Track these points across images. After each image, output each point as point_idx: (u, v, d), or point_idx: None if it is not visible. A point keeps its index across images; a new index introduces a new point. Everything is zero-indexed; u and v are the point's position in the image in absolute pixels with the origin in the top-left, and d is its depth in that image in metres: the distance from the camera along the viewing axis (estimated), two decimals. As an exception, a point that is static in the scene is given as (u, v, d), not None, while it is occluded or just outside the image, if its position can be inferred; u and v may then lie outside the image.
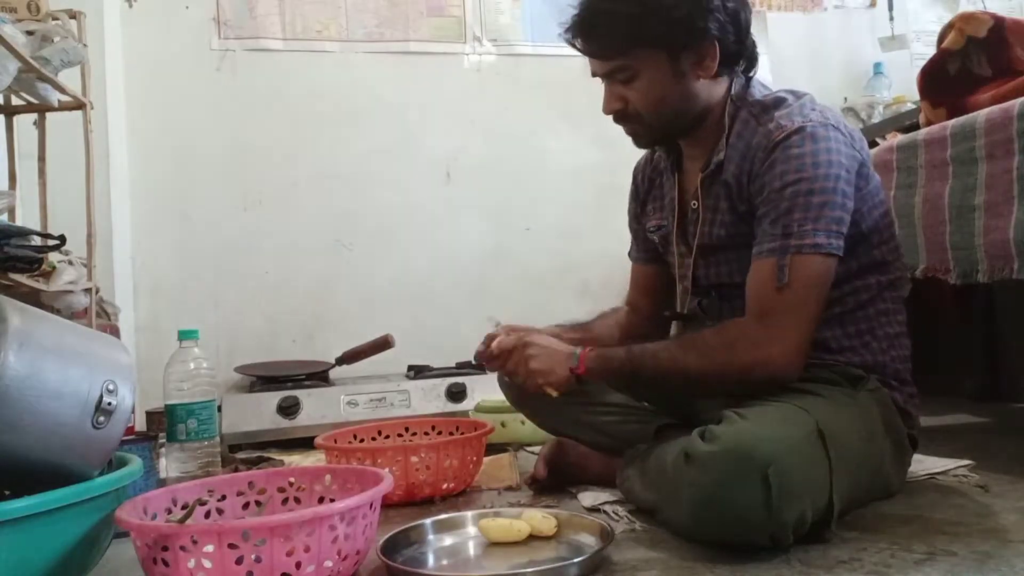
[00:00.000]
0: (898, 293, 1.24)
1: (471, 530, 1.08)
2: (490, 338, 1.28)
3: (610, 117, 1.25)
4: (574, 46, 1.21)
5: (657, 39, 1.15)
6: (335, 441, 1.46)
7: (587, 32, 1.18)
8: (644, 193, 1.42)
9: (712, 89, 1.21)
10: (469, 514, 1.12)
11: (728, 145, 1.20)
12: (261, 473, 1.15)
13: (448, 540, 1.07)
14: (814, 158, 1.09)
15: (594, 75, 1.24)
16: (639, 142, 1.28)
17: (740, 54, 1.22)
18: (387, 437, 1.56)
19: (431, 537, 1.07)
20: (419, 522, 1.09)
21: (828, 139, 1.10)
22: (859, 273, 1.18)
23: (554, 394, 1.20)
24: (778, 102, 1.18)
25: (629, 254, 1.50)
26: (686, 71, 1.18)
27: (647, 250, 1.44)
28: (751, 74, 1.25)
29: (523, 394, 1.35)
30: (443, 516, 1.11)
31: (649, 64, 1.17)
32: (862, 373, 1.16)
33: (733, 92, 1.22)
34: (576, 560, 0.93)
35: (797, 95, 1.19)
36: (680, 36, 1.15)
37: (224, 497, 1.08)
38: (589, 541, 1.02)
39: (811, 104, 1.17)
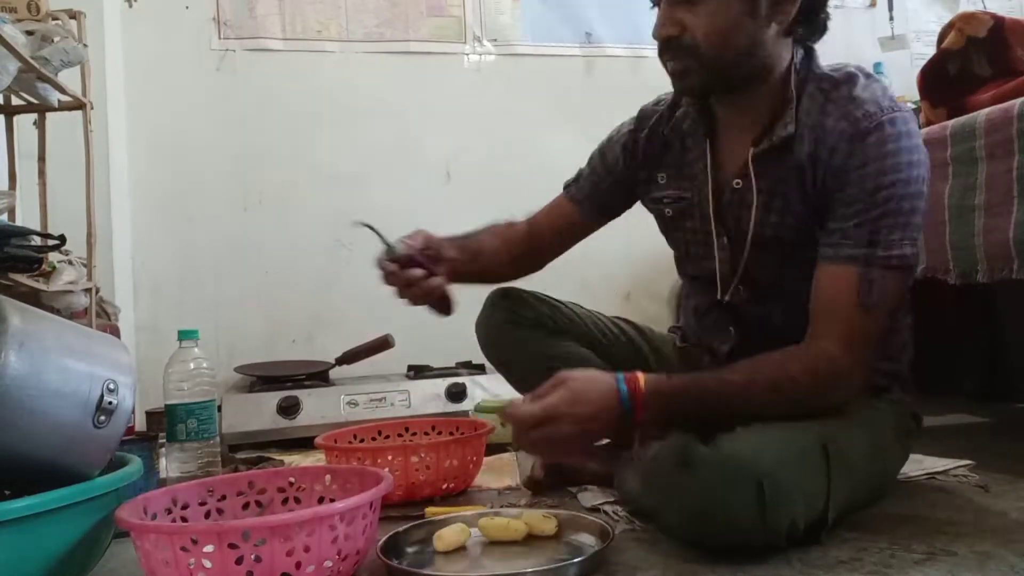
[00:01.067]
0: (907, 297, 1.18)
1: (472, 531, 1.08)
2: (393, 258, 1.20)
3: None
4: None
5: None
6: (335, 441, 1.46)
7: None
8: (654, 156, 1.24)
9: (780, 47, 1.08)
10: (469, 514, 1.12)
11: (799, 121, 1.07)
12: (261, 473, 1.15)
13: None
14: (908, 157, 1.00)
15: None
16: (684, 83, 1.10)
17: (816, 22, 1.09)
18: (387, 437, 1.56)
19: (431, 538, 1.06)
20: (419, 522, 1.09)
21: (914, 134, 1.02)
22: None
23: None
24: (850, 78, 1.06)
25: (567, 185, 1.37)
26: (761, 11, 1.04)
27: (594, 200, 1.31)
28: (807, 47, 1.12)
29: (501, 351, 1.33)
30: (443, 516, 1.11)
31: None
32: (883, 382, 1.15)
33: (797, 60, 1.09)
34: (576, 560, 0.93)
35: (863, 72, 1.08)
36: None
37: (224, 497, 1.07)
38: (589, 541, 1.02)
39: (882, 85, 1.07)
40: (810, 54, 1.11)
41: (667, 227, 1.27)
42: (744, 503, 0.90)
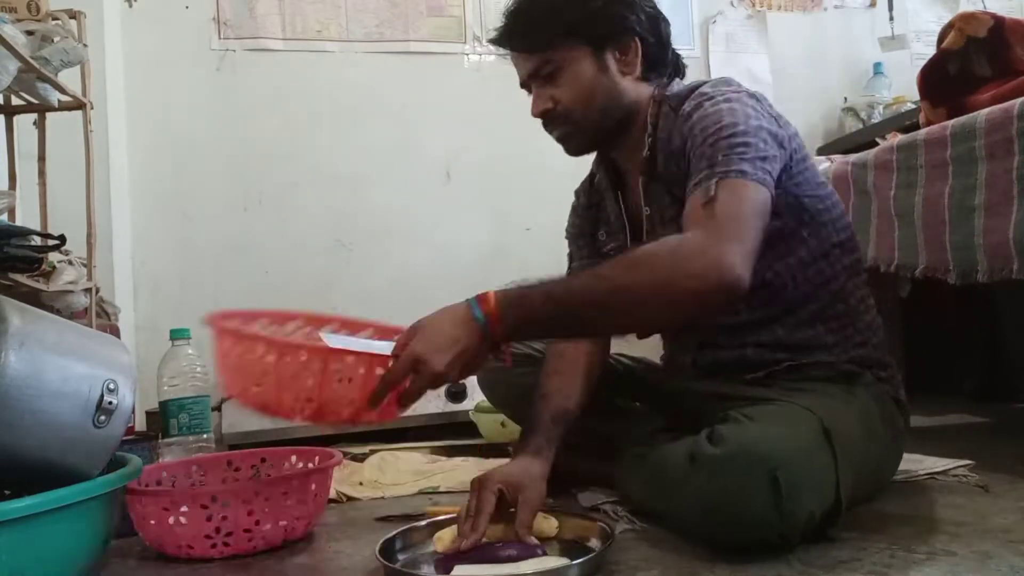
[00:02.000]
0: (863, 277, 1.24)
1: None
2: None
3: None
4: (502, 47, 1.22)
5: (578, 31, 1.16)
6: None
7: (513, 31, 1.20)
8: (591, 220, 1.38)
9: (639, 91, 1.21)
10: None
11: (656, 140, 1.19)
12: (237, 453, 1.38)
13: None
14: (730, 111, 1.07)
15: (522, 85, 1.25)
16: (570, 146, 1.25)
17: (663, 60, 1.23)
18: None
19: (430, 540, 1.05)
20: (419, 524, 1.09)
21: (742, 100, 1.09)
22: (825, 256, 1.18)
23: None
24: (693, 87, 1.18)
25: (570, 269, 1.42)
26: (610, 67, 1.19)
27: (594, 258, 1.36)
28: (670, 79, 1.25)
29: (499, 394, 1.34)
30: (442, 517, 1.11)
31: (573, 58, 1.17)
32: (855, 369, 1.17)
33: (655, 94, 1.22)
34: (577, 561, 0.93)
35: (715, 80, 1.17)
36: (600, 28, 1.17)
37: (206, 472, 1.32)
38: (590, 542, 1.02)
39: (728, 81, 1.16)
40: (670, 81, 1.24)
41: None
42: (758, 497, 0.90)
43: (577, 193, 1.44)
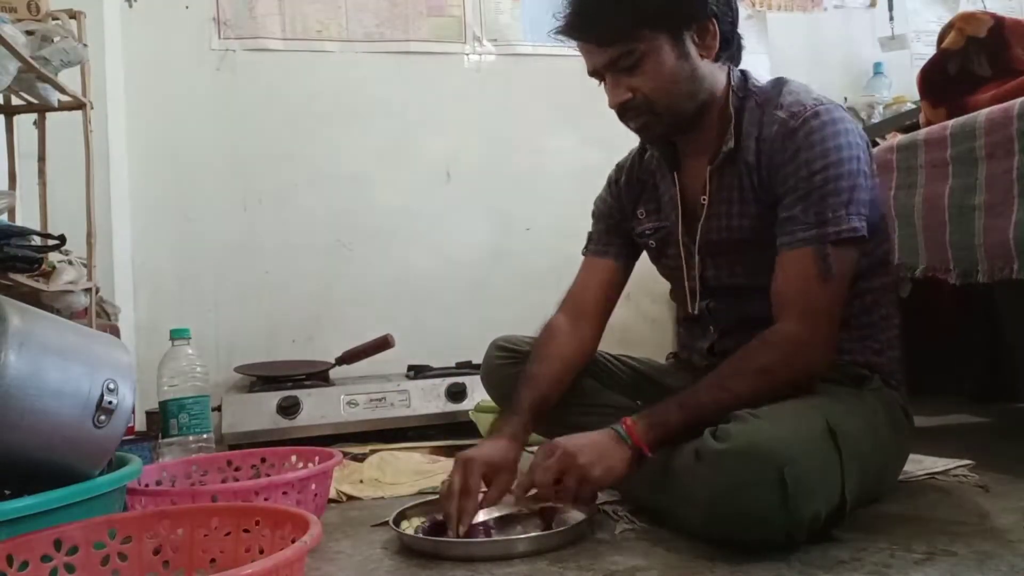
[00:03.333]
0: (894, 295, 1.25)
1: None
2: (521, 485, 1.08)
3: (611, 115, 1.19)
4: (573, 38, 1.16)
5: (658, 18, 1.12)
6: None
7: (586, 21, 1.14)
8: (633, 196, 1.35)
9: (716, 75, 1.19)
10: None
11: (742, 133, 1.17)
12: (238, 453, 1.37)
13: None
14: (836, 140, 1.08)
15: (592, 73, 1.19)
16: (650, 134, 1.22)
17: (735, 38, 1.22)
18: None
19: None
20: (422, 501, 1.21)
21: (844, 120, 1.11)
22: (866, 274, 1.18)
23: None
24: (777, 86, 1.19)
25: (585, 250, 1.40)
26: (690, 51, 1.15)
27: (611, 245, 1.36)
28: (741, 69, 1.25)
29: (501, 392, 1.36)
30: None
31: (653, 46, 1.13)
32: (866, 372, 1.17)
33: (734, 83, 1.21)
34: (562, 529, 1.03)
35: (789, 80, 1.20)
36: (680, 13, 1.14)
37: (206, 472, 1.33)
38: (575, 516, 1.10)
39: (807, 88, 1.18)
40: (746, 75, 1.23)
41: (654, 258, 1.36)
42: (765, 494, 0.90)
43: (618, 167, 1.40)
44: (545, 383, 1.26)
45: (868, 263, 1.18)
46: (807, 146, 1.09)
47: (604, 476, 1.03)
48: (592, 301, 1.36)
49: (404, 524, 1.13)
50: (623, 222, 1.36)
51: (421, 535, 1.08)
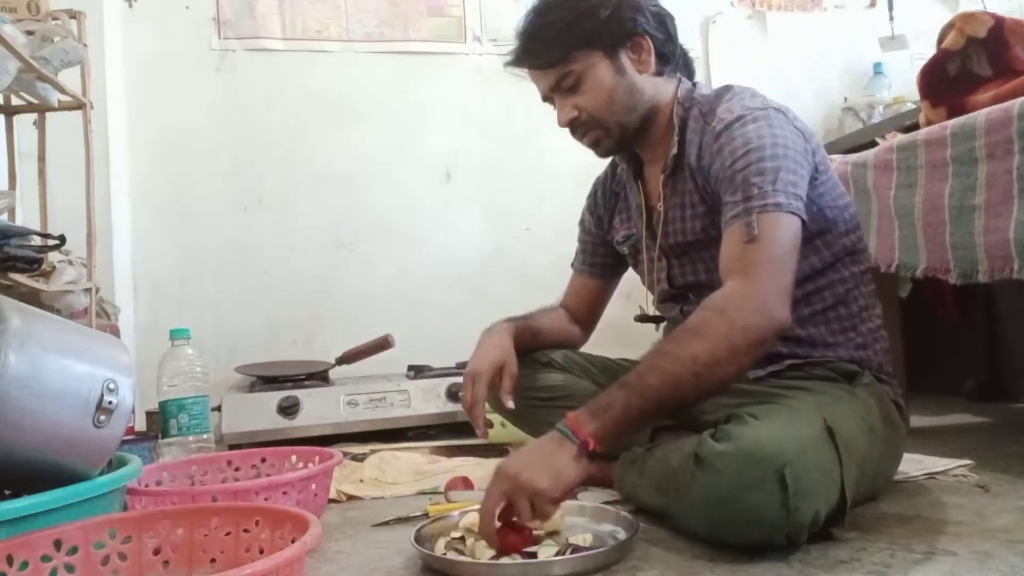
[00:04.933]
0: (871, 287, 1.27)
1: None
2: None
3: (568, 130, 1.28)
4: (520, 66, 1.27)
5: (591, 39, 1.21)
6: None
7: (529, 50, 1.25)
8: (609, 208, 1.45)
9: (659, 88, 1.27)
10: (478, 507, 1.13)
11: (685, 141, 1.24)
12: (238, 453, 1.37)
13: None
14: (758, 133, 1.12)
15: (545, 99, 1.29)
16: (601, 149, 1.30)
17: (673, 55, 1.28)
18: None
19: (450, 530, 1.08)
20: (435, 518, 1.12)
21: (769, 119, 1.14)
22: (834, 264, 1.22)
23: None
24: (721, 93, 1.24)
25: (573, 264, 1.54)
26: (626, 67, 1.24)
27: (595, 264, 1.50)
28: (693, 81, 1.32)
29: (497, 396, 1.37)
30: (459, 510, 1.13)
31: (590, 65, 1.22)
32: (855, 368, 1.18)
33: (681, 94, 1.27)
34: (603, 549, 0.97)
35: (738, 88, 1.24)
36: (611, 32, 1.22)
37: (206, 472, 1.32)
38: (616, 532, 1.05)
39: (752, 93, 1.21)
40: (696, 86, 1.30)
41: (632, 263, 1.44)
42: (766, 495, 0.90)
43: (596, 181, 1.50)
44: (539, 319, 1.45)
45: (833, 253, 1.21)
46: (729, 141, 1.14)
47: (553, 485, 0.95)
48: (580, 312, 1.52)
49: (427, 540, 1.05)
50: (604, 234, 1.47)
51: (449, 555, 1.00)
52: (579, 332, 1.53)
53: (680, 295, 1.32)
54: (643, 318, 1.41)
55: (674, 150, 1.25)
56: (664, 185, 1.28)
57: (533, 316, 1.46)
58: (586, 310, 1.52)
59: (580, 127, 1.26)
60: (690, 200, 1.24)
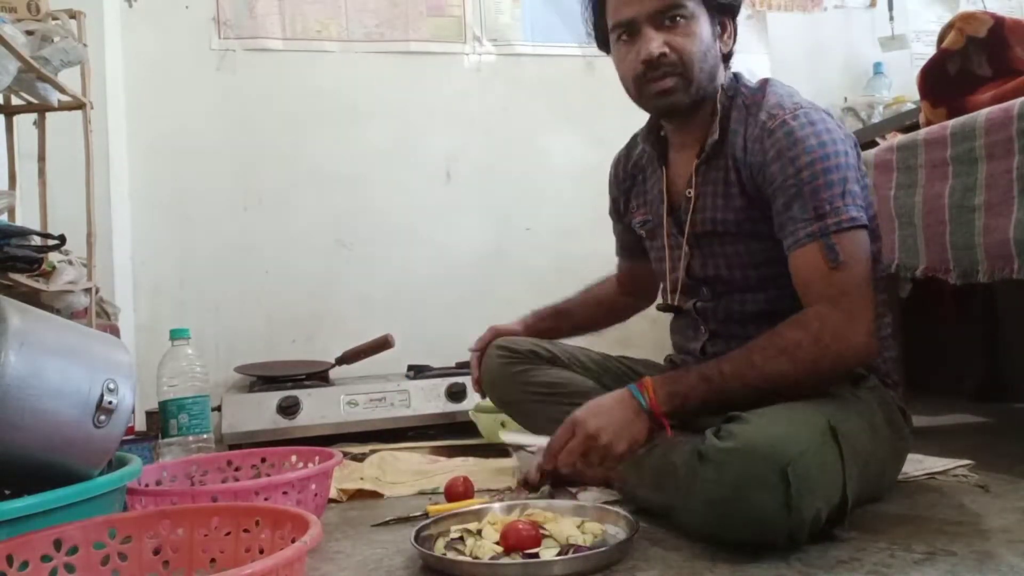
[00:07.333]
0: (883, 296, 1.25)
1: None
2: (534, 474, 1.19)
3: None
4: None
5: None
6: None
7: None
8: (624, 190, 1.44)
9: (721, 73, 1.25)
10: (476, 508, 1.13)
11: (728, 129, 1.21)
12: (238, 453, 1.37)
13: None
14: (818, 138, 1.10)
15: (627, 24, 1.19)
16: (670, 98, 1.20)
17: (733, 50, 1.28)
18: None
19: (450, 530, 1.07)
20: (435, 518, 1.11)
21: (825, 120, 1.13)
22: None
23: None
24: (762, 88, 1.22)
25: (617, 254, 1.58)
26: (718, 36, 1.23)
27: (625, 248, 1.52)
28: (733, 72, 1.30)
29: (498, 393, 1.43)
30: (463, 510, 1.13)
31: (699, 14, 1.19)
32: (863, 372, 1.17)
33: (725, 82, 1.25)
34: (603, 549, 0.96)
35: (774, 82, 1.24)
36: (719, 2, 1.21)
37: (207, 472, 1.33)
38: (614, 531, 1.04)
39: (791, 93, 1.21)
40: (737, 77, 1.27)
41: (647, 247, 1.41)
42: (768, 493, 0.90)
43: (615, 161, 1.48)
44: (572, 299, 1.56)
45: None
46: (789, 145, 1.11)
47: (628, 450, 1.08)
48: (630, 287, 1.56)
49: (428, 541, 1.05)
50: (622, 217, 1.47)
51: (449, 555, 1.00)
52: (631, 301, 1.57)
53: (695, 287, 1.29)
54: (665, 307, 1.37)
55: (714, 137, 1.21)
56: (697, 172, 1.24)
57: (567, 298, 1.56)
58: (635, 286, 1.55)
59: (665, 66, 1.17)
60: (724, 190, 1.21)
